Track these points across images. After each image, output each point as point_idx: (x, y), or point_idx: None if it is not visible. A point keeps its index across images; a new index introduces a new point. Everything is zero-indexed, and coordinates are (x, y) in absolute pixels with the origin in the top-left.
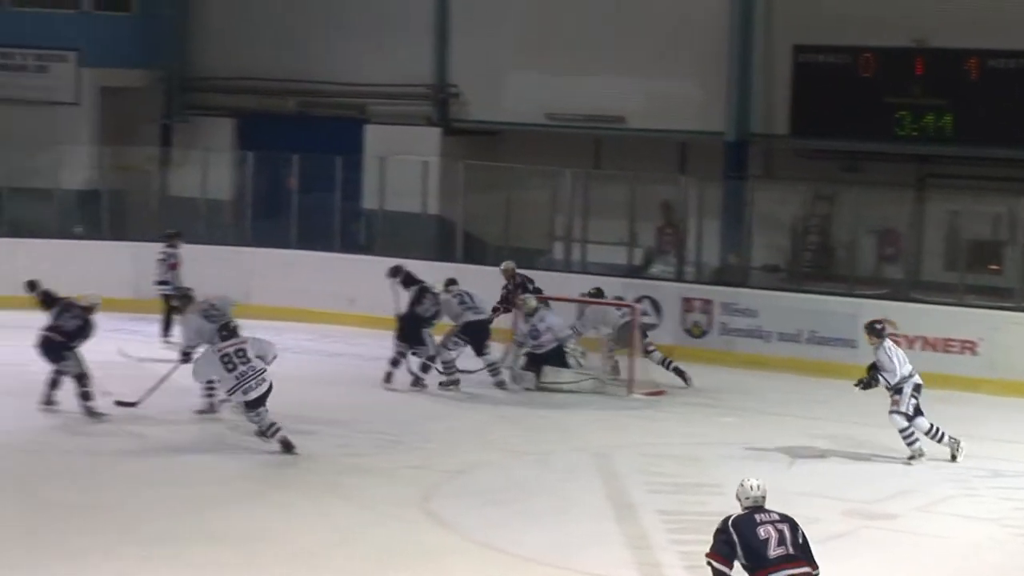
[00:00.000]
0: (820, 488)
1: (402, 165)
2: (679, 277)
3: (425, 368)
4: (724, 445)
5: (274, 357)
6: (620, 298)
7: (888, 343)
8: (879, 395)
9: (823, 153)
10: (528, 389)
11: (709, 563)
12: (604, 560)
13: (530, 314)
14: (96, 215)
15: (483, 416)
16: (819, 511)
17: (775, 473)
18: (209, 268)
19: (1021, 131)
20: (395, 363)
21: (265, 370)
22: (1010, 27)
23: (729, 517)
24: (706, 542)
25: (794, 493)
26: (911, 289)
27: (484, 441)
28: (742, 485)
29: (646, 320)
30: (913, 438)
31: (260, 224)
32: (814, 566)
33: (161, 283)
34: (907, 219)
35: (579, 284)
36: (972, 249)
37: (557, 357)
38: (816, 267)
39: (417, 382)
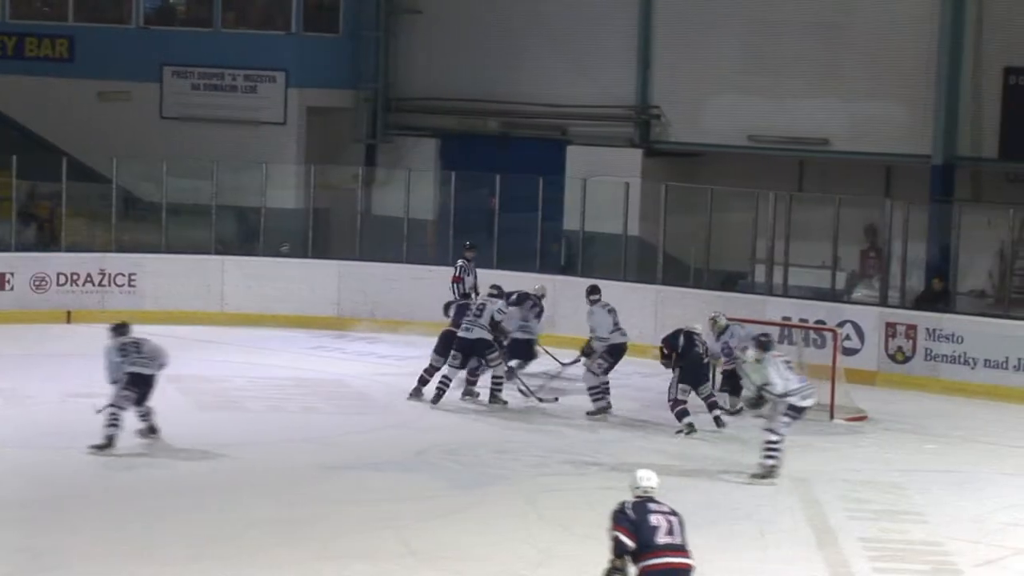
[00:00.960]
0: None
1: (603, 186)
2: (883, 302)
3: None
4: (926, 472)
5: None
6: (822, 322)
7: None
8: None
9: None
10: (735, 411)
11: (615, 536)
12: None
13: (721, 332)
14: (302, 233)
15: (682, 440)
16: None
17: (979, 502)
18: (412, 287)
19: None
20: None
21: None
22: None
23: (624, 502)
24: (910, 571)
25: (999, 523)
26: None
27: (683, 462)
28: (635, 475)
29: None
30: None
31: (462, 244)
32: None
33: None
34: None
35: (779, 308)
36: None
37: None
38: None
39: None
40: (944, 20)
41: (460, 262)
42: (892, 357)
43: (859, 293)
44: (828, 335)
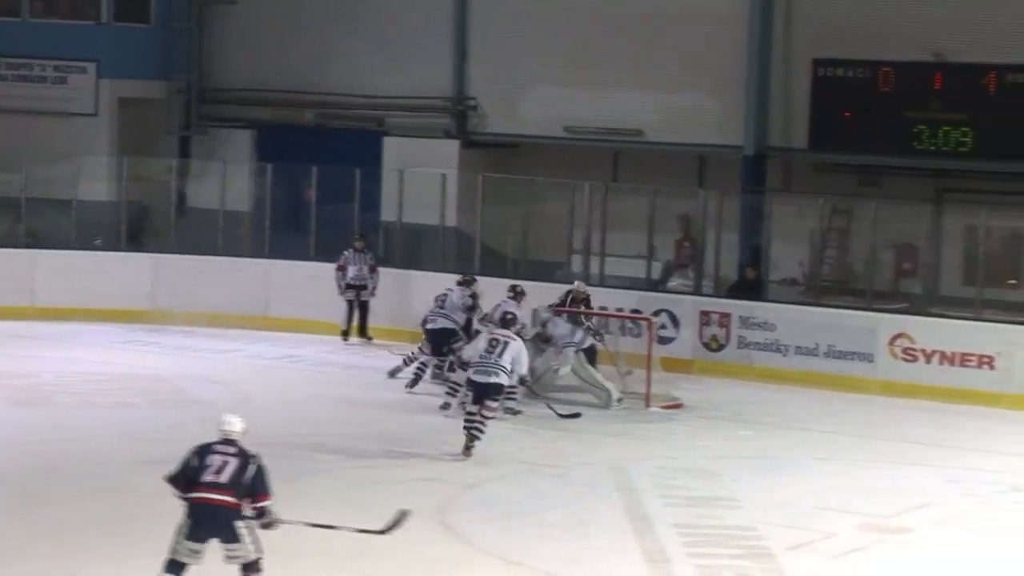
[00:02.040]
0: (836, 502)
1: (420, 177)
2: (697, 291)
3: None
4: (741, 459)
5: None
6: (638, 312)
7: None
8: (895, 408)
9: (841, 167)
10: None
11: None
12: (621, 573)
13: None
14: (115, 226)
15: (500, 428)
16: (835, 525)
17: (791, 486)
18: (227, 280)
19: None
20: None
21: None
22: None
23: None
24: (723, 555)
25: (810, 507)
26: (929, 303)
27: (501, 453)
28: (221, 419)
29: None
30: None
31: (279, 236)
32: (249, 501)
33: None
34: (925, 233)
35: (596, 297)
36: (990, 263)
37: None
38: (834, 281)
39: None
40: (754, 12)
41: (346, 252)
42: (707, 345)
43: (674, 282)
44: (644, 324)
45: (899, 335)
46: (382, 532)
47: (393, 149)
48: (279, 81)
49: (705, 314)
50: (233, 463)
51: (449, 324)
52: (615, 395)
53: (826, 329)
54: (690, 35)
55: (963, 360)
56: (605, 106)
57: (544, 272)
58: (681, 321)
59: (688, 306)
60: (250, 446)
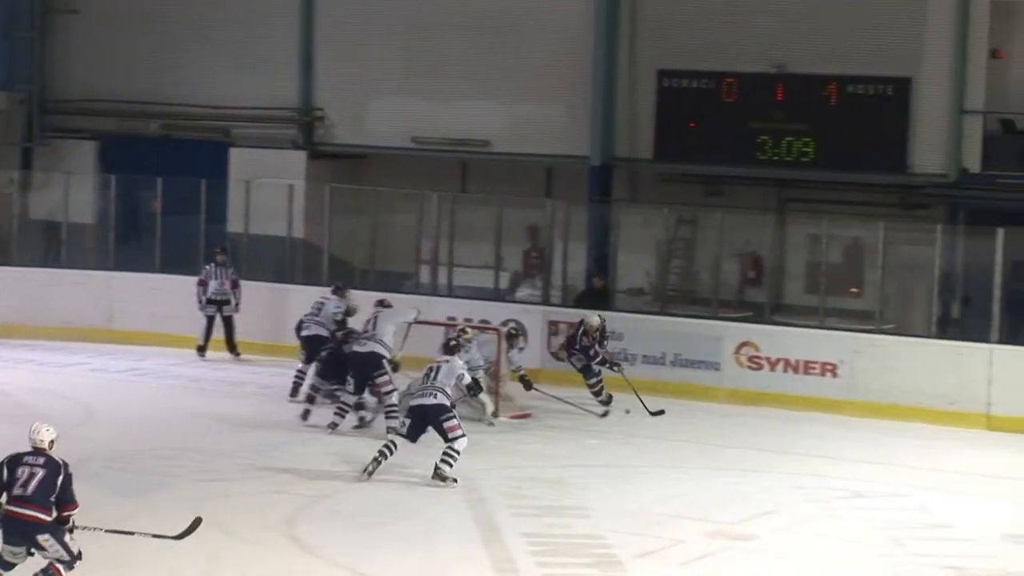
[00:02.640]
0: (683, 509)
1: (267, 188)
2: (545, 300)
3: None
4: (589, 467)
5: None
6: (486, 322)
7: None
8: (741, 416)
9: (687, 177)
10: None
11: None
12: None
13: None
14: None
15: (347, 440)
16: (683, 532)
17: (639, 495)
18: (70, 292)
19: (879, 156)
20: None
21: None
22: (868, 54)
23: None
24: (572, 564)
25: (658, 515)
26: (773, 312)
27: (351, 465)
28: (32, 428)
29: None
30: None
31: (123, 248)
32: (50, 512)
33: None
34: (769, 243)
35: (445, 308)
36: (832, 272)
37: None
38: (680, 290)
39: None
40: (599, 23)
41: (207, 266)
42: (555, 355)
43: (522, 292)
44: (492, 335)
45: (744, 343)
46: (177, 537)
47: (240, 160)
48: (123, 91)
49: (553, 324)
50: (40, 474)
51: (322, 331)
52: (490, 409)
53: (672, 338)
54: (536, 46)
55: (807, 368)
56: (452, 116)
57: (392, 283)
58: (529, 331)
59: (536, 316)
60: (60, 455)
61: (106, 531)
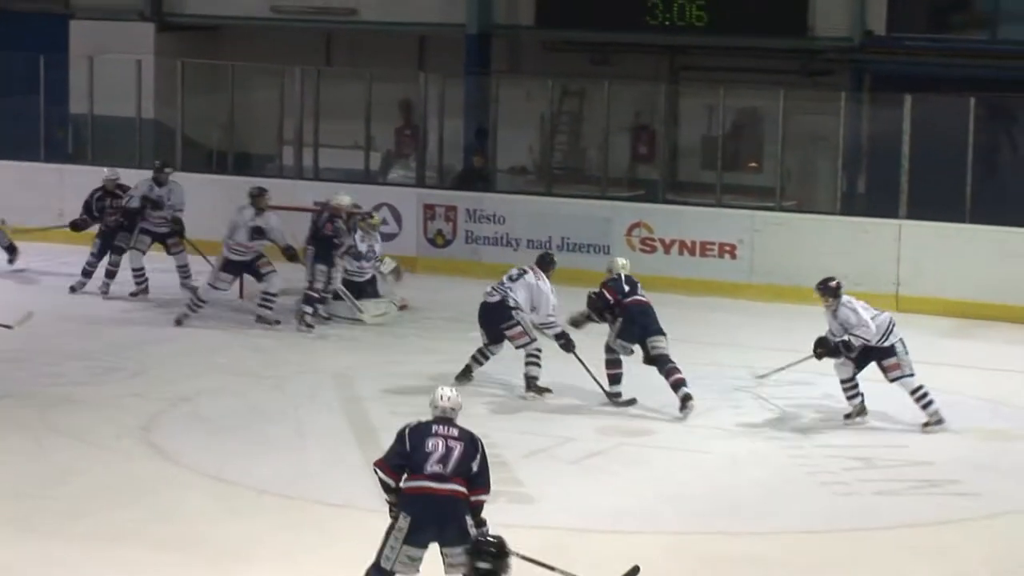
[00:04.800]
0: (574, 406)
1: (112, 65)
2: (420, 182)
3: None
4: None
5: None
6: (357, 207)
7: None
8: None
9: (572, 45)
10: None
11: (375, 470)
12: (344, 488)
13: (374, 229)
14: None
15: (210, 338)
16: (575, 430)
17: (524, 392)
18: None
19: (777, 19)
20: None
21: None
22: None
23: (408, 425)
24: None
25: (546, 411)
26: (667, 190)
27: (212, 365)
28: (434, 393)
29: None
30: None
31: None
32: (477, 491)
33: None
34: (661, 115)
35: (311, 192)
36: (729, 146)
37: (373, 286)
38: (566, 168)
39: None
40: None
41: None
42: (432, 241)
43: (395, 174)
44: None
45: (636, 224)
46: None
47: (81, 33)
48: None
49: (429, 208)
50: (458, 447)
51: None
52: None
53: (559, 220)
54: None
55: (704, 249)
56: None
57: (253, 166)
58: (404, 216)
59: (411, 199)
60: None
61: None
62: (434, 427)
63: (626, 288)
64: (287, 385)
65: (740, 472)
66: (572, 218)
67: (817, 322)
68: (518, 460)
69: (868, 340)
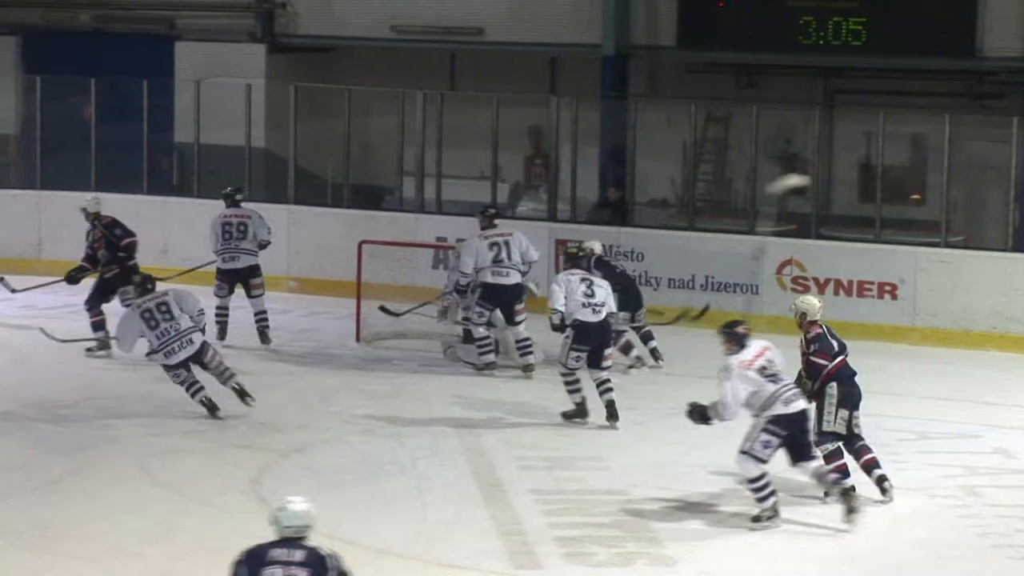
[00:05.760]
0: (714, 459)
1: (220, 90)
2: (551, 216)
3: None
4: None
5: (200, 313)
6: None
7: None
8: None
9: (716, 67)
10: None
11: None
12: (471, 549)
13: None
14: None
15: (322, 384)
16: (715, 485)
17: (665, 443)
18: None
19: (943, 37)
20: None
21: (193, 329)
22: None
23: (244, 551)
24: (589, 524)
25: (691, 466)
26: (821, 224)
27: (324, 413)
28: (273, 507)
29: None
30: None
31: (52, 162)
32: None
33: None
34: (814, 143)
35: (433, 226)
36: (890, 177)
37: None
38: (710, 200)
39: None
40: None
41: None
42: None
43: (524, 207)
44: None
45: (787, 261)
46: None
47: (187, 56)
48: None
49: (562, 243)
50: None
51: (255, 260)
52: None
53: (703, 257)
54: None
55: (862, 289)
56: (439, 0)
57: (371, 199)
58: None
59: (541, 234)
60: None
61: None
62: (274, 552)
63: (835, 345)
64: (405, 436)
65: (902, 532)
66: (717, 255)
67: (988, 370)
68: (656, 518)
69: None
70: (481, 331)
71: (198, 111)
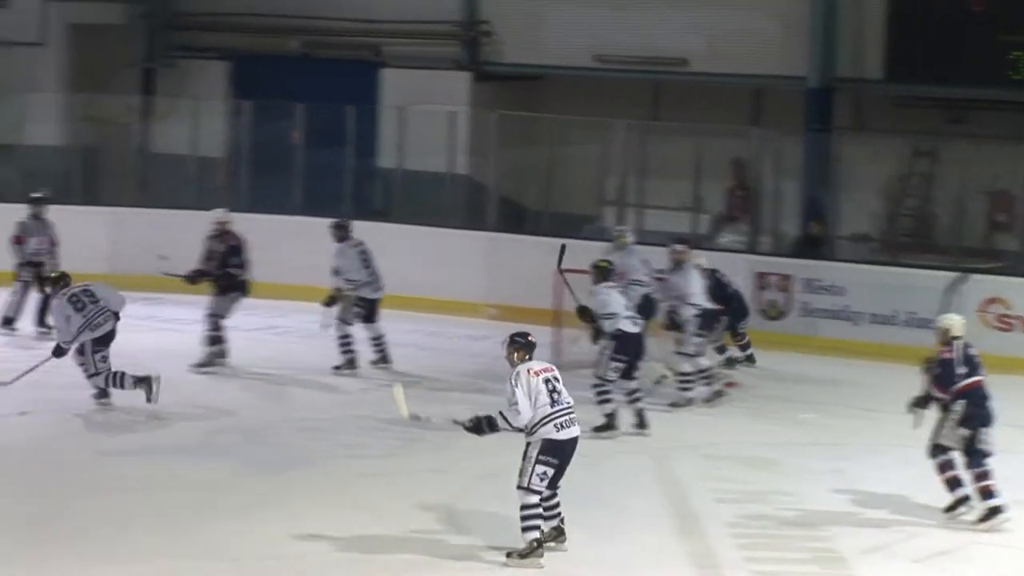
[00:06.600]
0: (917, 496)
1: (425, 116)
2: (752, 248)
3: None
4: (803, 445)
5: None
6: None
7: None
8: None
9: (924, 101)
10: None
11: None
12: None
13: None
14: (66, 175)
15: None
16: (919, 524)
17: (863, 479)
18: (198, 238)
19: None
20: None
21: (110, 310)
22: None
23: None
24: (784, 560)
25: (887, 503)
26: None
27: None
28: None
29: None
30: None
31: (259, 186)
32: None
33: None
34: (1022, 179)
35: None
36: None
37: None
38: (915, 236)
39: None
40: None
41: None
42: (764, 312)
43: (725, 239)
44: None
45: (992, 300)
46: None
47: (393, 83)
48: (258, 4)
49: (762, 276)
50: None
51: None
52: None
53: (906, 293)
54: None
55: None
56: (643, 30)
57: (571, 227)
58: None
59: (742, 266)
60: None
61: None
62: None
63: (963, 370)
64: (600, 465)
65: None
66: (920, 291)
67: None
68: (856, 556)
69: None
70: (701, 363)
71: (402, 137)
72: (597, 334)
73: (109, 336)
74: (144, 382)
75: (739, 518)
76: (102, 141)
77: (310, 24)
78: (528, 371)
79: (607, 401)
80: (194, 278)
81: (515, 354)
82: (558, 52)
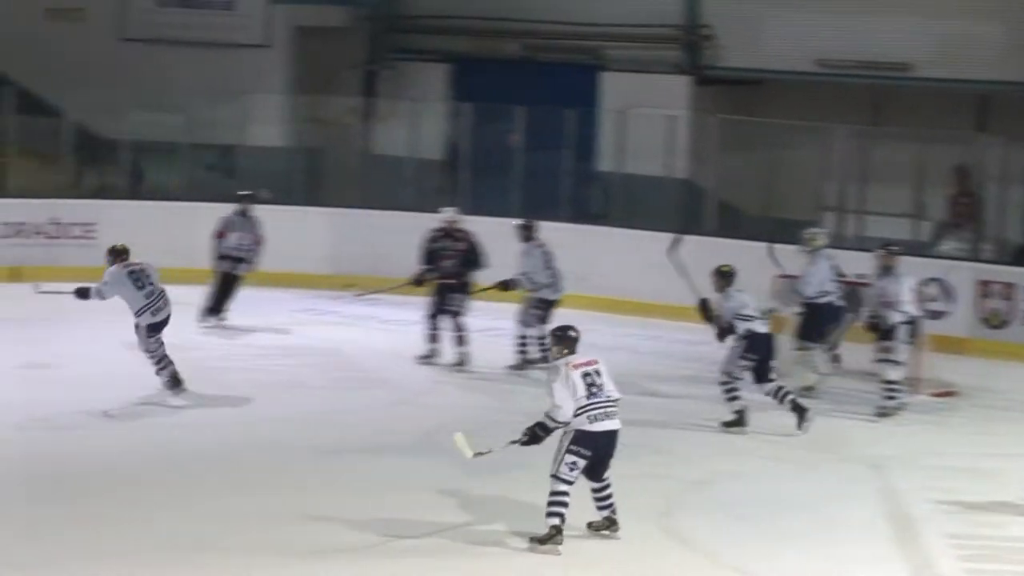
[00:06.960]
0: None
1: (644, 120)
2: (976, 256)
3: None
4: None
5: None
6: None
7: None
8: None
9: None
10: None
11: None
12: None
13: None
14: (289, 176)
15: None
16: None
17: None
18: (417, 239)
19: None
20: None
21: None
22: None
23: None
24: (1009, 573)
25: None
26: None
27: (734, 447)
28: None
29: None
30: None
31: (478, 188)
32: None
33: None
34: None
35: (852, 263)
36: None
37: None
38: None
39: None
40: None
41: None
42: (986, 321)
43: (947, 246)
44: None
45: None
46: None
47: (612, 86)
48: (480, 7)
49: (985, 284)
50: None
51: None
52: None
53: None
54: None
55: None
56: (865, 35)
57: (789, 232)
58: (956, 292)
59: (964, 274)
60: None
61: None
62: None
63: None
64: (811, 473)
65: None
66: None
67: None
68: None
69: None
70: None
71: (621, 141)
72: (721, 333)
73: (166, 321)
74: (178, 385)
75: (959, 528)
76: (325, 143)
77: (531, 27)
78: (567, 365)
79: (735, 398)
80: (419, 280)
81: (555, 348)
82: (779, 56)
